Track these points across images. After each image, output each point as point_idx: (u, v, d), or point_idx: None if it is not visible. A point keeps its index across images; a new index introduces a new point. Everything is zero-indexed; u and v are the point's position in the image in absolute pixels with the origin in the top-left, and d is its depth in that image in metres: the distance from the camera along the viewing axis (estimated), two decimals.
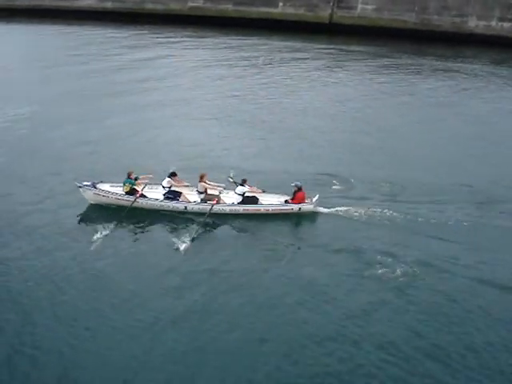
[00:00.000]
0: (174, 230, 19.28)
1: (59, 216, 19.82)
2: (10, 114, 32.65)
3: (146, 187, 20.66)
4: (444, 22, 64.16)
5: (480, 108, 36.86)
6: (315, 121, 32.81)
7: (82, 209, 20.47)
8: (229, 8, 75.05)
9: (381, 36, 64.45)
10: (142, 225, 19.45)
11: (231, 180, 21.11)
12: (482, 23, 62.54)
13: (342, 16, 69.01)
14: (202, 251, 17.56)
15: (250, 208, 20.26)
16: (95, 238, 18.32)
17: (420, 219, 20.03)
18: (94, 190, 20.29)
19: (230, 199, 20.48)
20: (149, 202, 20.13)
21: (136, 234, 19.02)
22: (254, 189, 20.66)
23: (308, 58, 53.85)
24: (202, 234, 18.64)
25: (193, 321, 14.40)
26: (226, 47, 59.83)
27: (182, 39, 64.66)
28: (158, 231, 19.24)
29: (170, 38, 65.27)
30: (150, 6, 78.89)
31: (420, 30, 64.68)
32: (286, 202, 20.62)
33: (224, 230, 19.45)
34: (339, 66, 50.90)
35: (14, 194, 21.45)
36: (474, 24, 62.97)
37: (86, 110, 33.72)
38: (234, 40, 64.49)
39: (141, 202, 19.96)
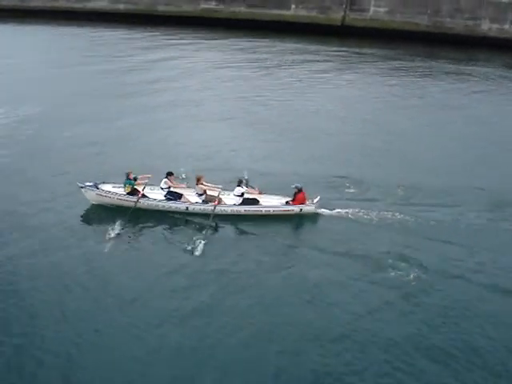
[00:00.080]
0: (177, 231, 19.31)
1: (64, 216, 19.84)
2: (20, 114, 32.85)
3: (148, 188, 20.65)
4: (457, 24, 63.88)
5: (491, 111, 36.60)
6: (326, 123, 32.71)
7: (86, 209, 20.50)
8: (241, 10, 75.13)
9: (393, 39, 64.26)
10: (145, 225, 19.43)
11: (244, 181, 21.20)
12: (495, 26, 62.18)
13: (354, 18, 68.91)
14: (206, 252, 17.47)
15: (252, 209, 20.23)
16: (100, 238, 18.35)
17: (431, 222, 19.81)
18: (97, 191, 20.32)
19: (229, 200, 20.44)
20: (150, 202, 20.15)
21: (140, 234, 18.98)
22: (251, 190, 20.62)
23: (320, 61, 53.76)
24: (205, 235, 18.56)
25: (199, 321, 14.35)
26: (237, 49, 59.91)
27: (194, 41, 64.79)
28: (162, 232, 19.19)
29: (182, 39, 65.43)
30: (162, 8, 79.14)
31: (432, 33, 64.44)
32: (287, 203, 20.56)
33: (227, 231, 19.39)
34: (351, 68, 50.79)
35: (20, 194, 21.50)
36: (487, 27, 62.63)
37: (96, 111, 33.91)
38: (245, 42, 64.54)
39: (142, 203, 19.95)
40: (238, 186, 20.38)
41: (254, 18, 73.33)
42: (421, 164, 26.15)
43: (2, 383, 12.34)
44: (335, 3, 69.65)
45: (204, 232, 18.81)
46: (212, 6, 76.97)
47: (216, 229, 19.35)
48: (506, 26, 61.83)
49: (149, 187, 20.66)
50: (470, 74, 48.69)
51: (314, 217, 20.38)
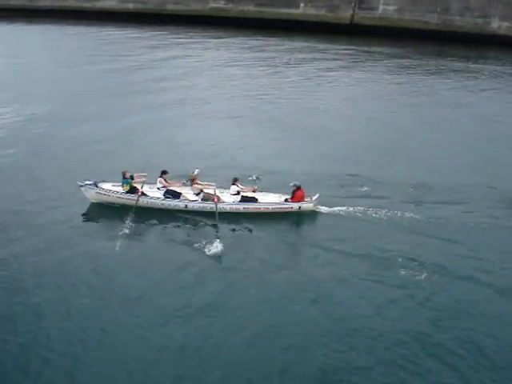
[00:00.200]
0: (178, 229, 19.25)
1: (70, 215, 19.85)
2: (28, 113, 33.03)
3: (147, 186, 20.59)
4: (466, 22, 63.60)
5: (500, 109, 36.35)
6: (334, 121, 32.62)
7: (89, 208, 20.52)
8: (250, 9, 75.24)
9: (402, 37, 64.06)
10: (147, 223, 19.38)
11: (255, 180, 21.42)
12: (505, 24, 61.79)
13: (363, 17, 68.83)
14: (209, 250, 17.38)
15: (251, 206, 20.20)
16: (104, 236, 18.38)
17: (440, 220, 19.55)
18: (96, 189, 20.34)
19: (226, 198, 20.41)
20: (150, 200, 20.16)
21: (143, 232, 18.93)
22: (246, 188, 20.65)
23: (328, 59, 53.67)
24: (208, 234, 18.57)
25: (204, 319, 14.28)
26: (246, 48, 59.93)
27: (203, 40, 64.91)
28: (164, 230, 19.16)
29: (191, 38, 65.56)
30: (171, 7, 79.44)
31: (442, 31, 64.23)
32: (286, 200, 20.53)
33: (228, 229, 19.18)
34: (359, 66, 50.65)
35: (27, 192, 21.54)
36: (497, 25, 62.28)
37: (104, 109, 34.03)
38: (254, 41, 64.56)
39: (141, 201, 19.97)
40: (233, 184, 20.39)
41: (263, 17, 73.42)
42: (429, 162, 25.98)
43: (8, 380, 12.36)
44: (344, 2, 69.60)
45: (206, 230, 18.83)
46: (221, 4, 77.14)
47: (211, 226, 19.28)
48: None
49: (148, 185, 20.65)
50: (479, 72, 48.41)
51: (313, 214, 20.27)
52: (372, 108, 35.83)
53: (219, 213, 18.97)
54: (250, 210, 20.11)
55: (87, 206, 20.56)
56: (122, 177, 20.36)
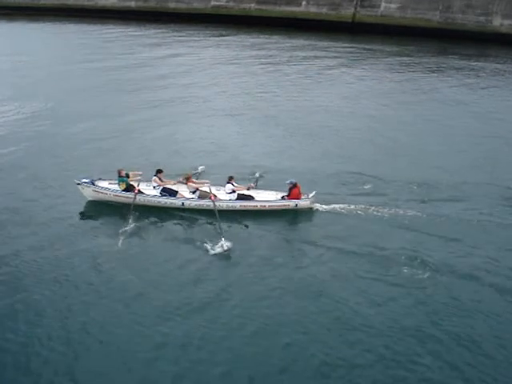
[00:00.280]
0: (176, 227, 19.20)
1: (70, 212, 19.88)
2: (30, 111, 33.15)
3: (144, 184, 20.56)
4: (468, 20, 63.41)
5: (502, 107, 36.22)
6: (335, 119, 32.48)
7: (90, 206, 20.52)
8: (251, 7, 75.28)
9: (404, 35, 63.92)
10: (146, 221, 19.25)
11: (258, 177, 21.51)
12: (507, 22, 61.55)
13: (364, 15, 68.77)
14: (208, 248, 17.41)
15: (247, 204, 20.20)
16: (104, 234, 18.40)
17: (442, 218, 19.42)
18: (93, 187, 20.35)
19: (222, 196, 20.40)
20: (147, 198, 20.14)
21: (143, 230, 18.79)
22: (240, 187, 20.65)
23: (330, 57, 53.57)
24: (203, 231, 18.62)
25: (204, 317, 14.23)
26: (247, 46, 59.92)
27: (204, 38, 64.92)
28: (161, 228, 19.08)
29: (193, 36, 65.57)
30: (173, 5, 79.56)
31: (444, 29, 64.08)
32: (283, 198, 20.52)
33: (226, 227, 19.07)
34: (361, 65, 50.55)
35: (27, 189, 21.56)
36: (499, 23, 62.06)
37: (105, 107, 34.09)
38: (255, 39, 64.55)
39: (138, 199, 19.94)
40: (228, 182, 20.41)
41: (265, 15, 73.41)
42: (430, 160, 25.86)
43: (8, 379, 12.37)
44: (345, 0, 69.51)
45: (205, 228, 18.86)
46: (223, 2, 77.19)
47: (208, 223, 19.30)
48: None
49: (145, 183, 20.64)
50: (481, 70, 48.27)
51: (311, 212, 20.23)
52: (373, 106, 35.75)
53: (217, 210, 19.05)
54: (246, 208, 20.11)
55: (87, 203, 20.58)
56: (117, 175, 20.35)
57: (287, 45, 60.58)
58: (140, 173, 20.65)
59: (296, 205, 20.18)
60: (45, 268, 16.29)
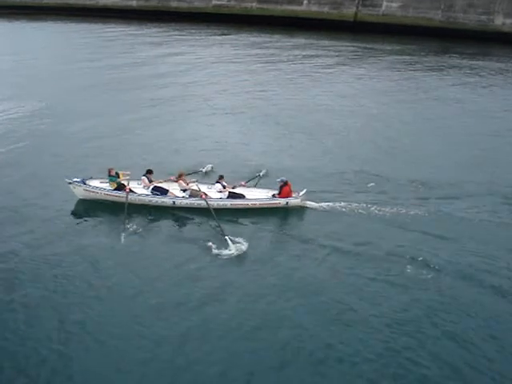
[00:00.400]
0: (169, 225, 19.16)
1: (64, 211, 19.88)
2: (29, 109, 33.14)
3: (135, 183, 20.56)
4: (470, 20, 63.29)
5: (503, 106, 36.16)
6: (336, 118, 32.41)
7: (78, 205, 20.46)
8: (253, 6, 75.27)
9: (406, 34, 63.83)
10: (138, 220, 19.16)
11: (261, 176, 21.62)
12: (509, 21, 61.45)
13: (366, 14, 68.71)
14: (203, 247, 17.39)
15: (238, 203, 20.19)
16: (99, 233, 18.38)
17: (443, 217, 19.39)
18: (84, 186, 20.32)
19: (212, 195, 20.37)
20: (137, 197, 20.10)
21: (137, 228, 18.58)
22: (229, 186, 20.66)
23: (332, 56, 53.53)
24: (196, 230, 18.60)
25: (202, 314, 14.20)
26: (249, 45, 59.88)
27: (206, 37, 64.91)
28: (156, 226, 18.96)
29: (194, 35, 65.58)
30: (174, 4, 79.60)
31: (446, 28, 63.96)
32: (274, 196, 20.48)
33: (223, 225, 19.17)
34: (363, 64, 50.49)
35: (24, 188, 21.51)
36: (501, 22, 61.92)
37: (105, 105, 34.09)
38: (257, 38, 64.51)
39: (130, 198, 19.85)
40: (217, 182, 20.39)
41: (266, 14, 73.38)
42: (431, 158, 25.80)
43: (5, 378, 12.31)
44: None
45: (196, 226, 18.86)
46: (224, 2, 77.20)
47: (200, 222, 19.24)
48: None
49: (136, 182, 20.60)
50: (482, 70, 48.17)
51: (303, 210, 20.16)
52: (374, 105, 35.68)
53: (206, 209, 19.02)
54: (237, 206, 20.08)
55: (77, 202, 20.53)
56: (107, 174, 20.30)
57: (288, 44, 60.53)
58: (128, 172, 20.66)
59: (287, 203, 20.13)
60: (41, 267, 16.22)
